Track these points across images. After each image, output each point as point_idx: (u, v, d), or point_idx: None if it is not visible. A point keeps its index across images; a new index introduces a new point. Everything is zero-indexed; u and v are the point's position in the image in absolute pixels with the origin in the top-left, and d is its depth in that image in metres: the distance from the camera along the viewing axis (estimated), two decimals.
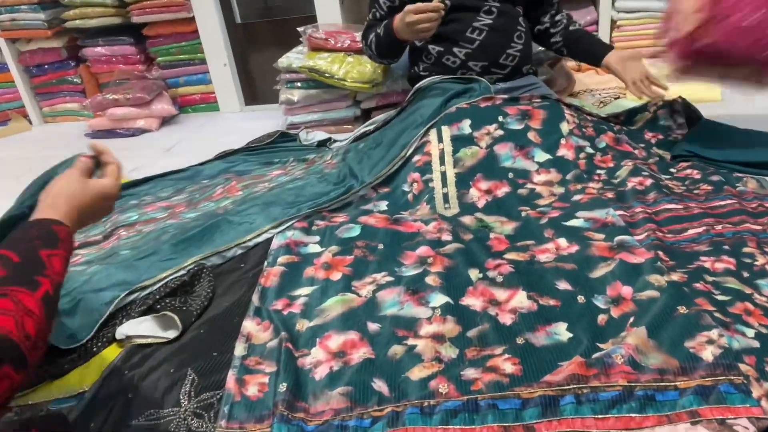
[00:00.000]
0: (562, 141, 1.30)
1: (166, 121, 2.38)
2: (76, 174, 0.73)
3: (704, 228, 0.98)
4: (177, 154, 1.98)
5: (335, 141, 1.78)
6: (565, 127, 1.33)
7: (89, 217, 0.71)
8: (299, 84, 1.95)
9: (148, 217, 1.33)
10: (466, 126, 1.34)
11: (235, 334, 0.86)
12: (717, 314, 0.75)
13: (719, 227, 0.98)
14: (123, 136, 2.27)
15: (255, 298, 0.95)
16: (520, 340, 0.79)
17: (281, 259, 1.04)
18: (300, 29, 1.94)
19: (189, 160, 1.77)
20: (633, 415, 0.63)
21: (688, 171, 1.25)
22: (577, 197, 1.16)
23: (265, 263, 1.05)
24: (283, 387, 0.73)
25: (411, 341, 0.81)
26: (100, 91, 2.41)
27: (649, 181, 1.17)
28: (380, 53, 1.59)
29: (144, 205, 1.43)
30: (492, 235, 1.09)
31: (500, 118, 1.35)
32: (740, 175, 1.18)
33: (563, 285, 0.90)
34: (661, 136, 1.45)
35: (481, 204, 1.20)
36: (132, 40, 2.38)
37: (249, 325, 0.88)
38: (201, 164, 1.72)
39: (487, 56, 1.50)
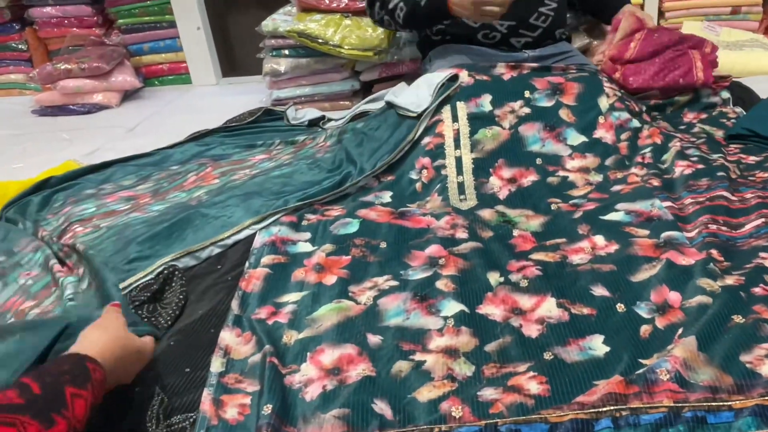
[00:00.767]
0: (600, 119, 1.31)
1: (128, 95, 2.39)
2: (124, 322, 0.80)
3: (763, 220, 1.00)
4: (141, 134, 2.00)
5: (329, 120, 1.79)
6: (604, 102, 1.34)
7: (120, 370, 0.75)
8: (287, 52, 1.96)
9: (108, 210, 1.35)
10: (486, 102, 1.34)
11: (212, 347, 0.87)
12: None
13: None
14: (77, 113, 2.28)
15: (234, 305, 0.96)
16: (548, 356, 0.80)
17: (265, 260, 1.06)
18: None
19: (156, 143, 1.78)
20: None
21: (741, 155, 1.26)
22: (617, 187, 1.17)
23: (247, 264, 1.06)
24: (267, 409, 0.74)
25: (419, 356, 0.82)
26: (50, 60, 2.43)
27: (700, 165, 1.18)
28: (410, 23, 1.60)
29: (102, 195, 1.44)
30: (516, 232, 1.10)
31: (527, 94, 1.36)
32: None
33: (600, 291, 0.91)
34: (704, 115, 1.47)
35: (503, 195, 1.21)
36: None
37: (227, 336, 0.90)
38: (170, 147, 1.73)
39: (516, 14, 1.51)
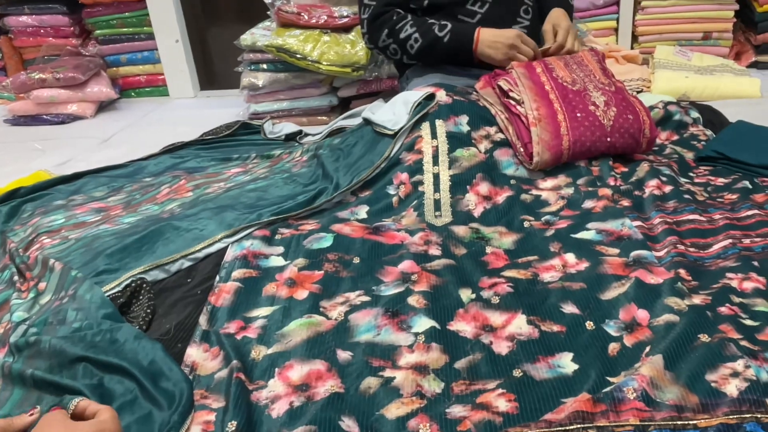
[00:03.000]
0: None
1: (103, 106, 2.37)
2: (61, 417, 0.68)
3: (730, 241, 1.01)
4: (115, 146, 1.98)
5: (306, 135, 1.79)
6: None
7: None
8: (265, 66, 1.96)
9: (77, 221, 1.33)
10: (463, 122, 1.36)
11: (178, 362, 0.86)
12: (743, 342, 0.77)
13: (747, 241, 1.02)
14: (50, 123, 2.25)
15: (203, 320, 0.95)
16: (517, 373, 0.80)
17: (236, 274, 1.05)
18: (267, 1, 1.95)
19: (130, 154, 1.77)
20: None
21: (710, 177, 1.29)
22: (588, 204, 1.18)
23: (217, 278, 1.05)
24: (232, 425, 0.73)
25: (388, 373, 0.82)
26: (25, 69, 2.40)
27: (668, 188, 1.20)
28: (423, 57, 1.57)
29: (73, 206, 1.42)
30: (489, 249, 1.10)
31: None
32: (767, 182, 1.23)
33: (570, 308, 0.91)
34: (676, 136, 1.50)
35: (477, 212, 1.22)
36: (65, 8, 2.38)
37: (194, 352, 0.88)
38: (144, 159, 1.72)
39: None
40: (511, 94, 1.34)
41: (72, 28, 2.40)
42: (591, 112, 1.29)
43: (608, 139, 1.29)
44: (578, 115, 1.28)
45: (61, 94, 2.25)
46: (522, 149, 1.29)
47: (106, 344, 0.88)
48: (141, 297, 1.03)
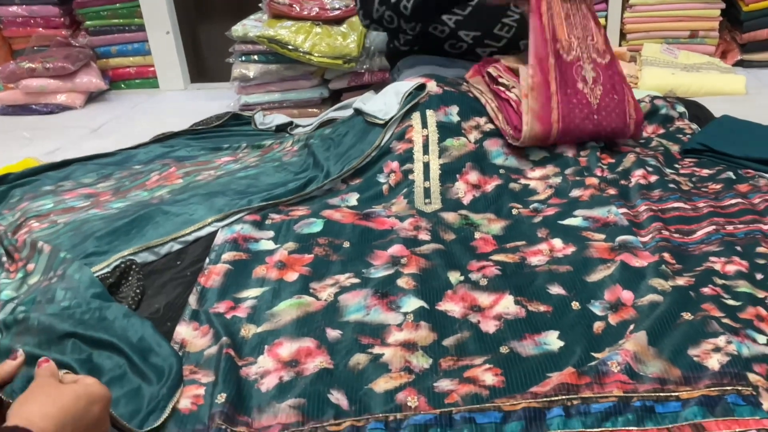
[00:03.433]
0: None
1: (93, 97, 2.36)
2: (43, 382, 0.66)
3: (714, 227, 1.04)
4: (105, 136, 1.98)
5: (297, 126, 1.80)
6: None
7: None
8: (256, 57, 1.97)
9: (66, 206, 1.32)
10: (453, 113, 1.37)
11: (167, 340, 0.86)
12: (726, 320, 0.79)
13: (730, 227, 1.04)
14: (39, 113, 2.24)
15: (192, 300, 0.95)
16: (504, 350, 0.82)
17: (226, 256, 1.05)
18: None
19: (119, 144, 1.76)
20: (630, 428, 0.66)
21: (695, 168, 1.31)
22: (576, 192, 1.20)
23: (207, 260, 1.05)
24: (221, 398, 0.74)
25: (377, 350, 0.83)
26: (14, 59, 2.38)
27: (654, 177, 1.22)
28: (420, 13, 1.47)
29: (61, 192, 1.41)
30: (477, 235, 1.11)
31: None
32: (751, 173, 1.25)
33: (556, 289, 0.93)
34: (662, 130, 1.53)
35: (467, 200, 1.23)
36: None
37: (183, 330, 0.89)
38: (134, 148, 1.71)
39: (481, 25, 1.54)
40: (500, 80, 1.35)
41: (62, 19, 2.39)
42: (579, 90, 1.30)
43: (595, 117, 1.30)
44: (568, 91, 1.29)
45: (50, 84, 2.24)
46: (512, 132, 1.30)
47: (95, 321, 0.88)
48: (130, 278, 1.03)
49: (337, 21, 1.91)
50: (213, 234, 1.14)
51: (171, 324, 0.91)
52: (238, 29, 1.94)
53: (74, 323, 0.87)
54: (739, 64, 2.14)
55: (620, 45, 2.21)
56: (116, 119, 2.15)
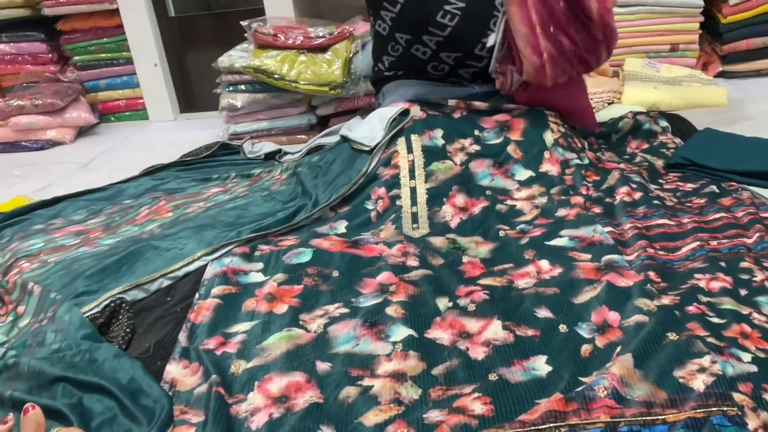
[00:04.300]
0: (546, 154, 1.36)
1: (83, 131, 2.37)
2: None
3: (698, 243, 1.04)
4: (95, 170, 1.98)
5: (286, 153, 1.81)
6: (549, 137, 1.40)
7: None
8: (243, 87, 1.98)
9: (56, 245, 1.33)
10: (438, 136, 1.39)
11: (157, 380, 0.86)
12: (710, 339, 0.79)
13: (714, 242, 1.05)
14: (29, 149, 2.25)
15: (182, 337, 0.95)
16: (493, 377, 0.82)
17: (216, 291, 1.05)
18: (244, 23, 1.98)
19: (110, 178, 1.77)
20: None
21: (679, 183, 1.32)
22: (562, 212, 1.21)
23: (197, 296, 1.06)
24: None
25: (367, 381, 0.83)
26: (3, 97, 2.40)
27: (638, 194, 1.24)
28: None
29: (52, 230, 1.42)
30: (465, 259, 1.12)
31: (476, 132, 1.40)
32: (734, 186, 1.26)
33: (544, 313, 0.93)
34: (645, 145, 1.54)
35: (454, 223, 1.24)
36: (43, 35, 2.39)
37: (173, 369, 0.89)
38: (124, 182, 1.72)
39: (461, 46, 1.56)
40: None
41: (50, 55, 2.41)
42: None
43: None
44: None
45: (39, 121, 2.25)
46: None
47: (86, 364, 0.88)
48: (120, 317, 1.03)
49: (322, 49, 1.93)
50: (203, 268, 1.15)
51: (161, 363, 0.91)
52: (224, 60, 1.96)
53: (64, 367, 0.87)
54: (721, 75, 2.16)
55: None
56: (107, 153, 2.15)
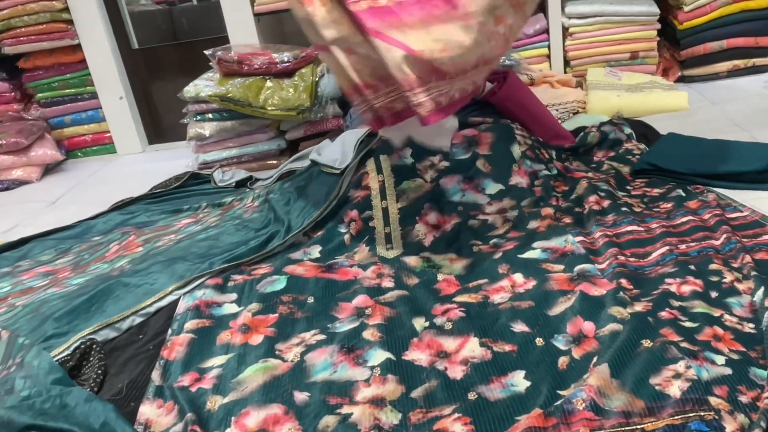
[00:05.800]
0: (514, 167, 1.36)
1: (50, 169, 2.33)
2: None
3: (668, 248, 1.05)
4: (63, 207, 1.94)
5: (257, 180, 1.80)
6: (516, 150, 1.41)
7: None
8: (211, 116, 1.97)
9: (24, 287, 1.30)
10: (407, 154, 1.39)
11: (131, 422, 0.84)
12: (684, 344, 0.80)
13: (683, 246, 1.06)
14: None
15: (155, 376, 0.93)
16: (472, 396, 0.81)
17: (189, 325, 1.04)
18: (207, 52, 1.97)
19: (78, 214, 1.74)
20: None
21: (646, 188, 1.34)
22: (533, 224, 1.21)
23: (169, 331, 1.04)
24: None
25: (346, 409, 0.82)
26: None
27: (607, 202, 1.25)
28: None
29: (19, 273, 1.39)
30: (440, 277, 1.12)
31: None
32: (700, 188, 1.28)
33: (520, 327, 0.93)
34: (612, 153, 1.56)
35: (428, 242, 1.24)
36: (4, 74, 2.35)
37: (147, 409, 0.87)
38: (93, 218, 1.69)
39: None
40: None
41: (13, 94, 2.37)
42: None
43: None
44: None
45: (4, 160, 2.21)
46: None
47: (56, 410, 0.86)
48: (91, 358, 1.01)
49: (288, 73, 1.92)
50: (175, 302, 1.13)
51: (134, 404, 0.89)
52: (190, 90, 1.95)
53: (34, 414, 0.84)
54: (681, 80, 2.21)
55: (565, 72, 2.27)
56: (75, 189, 2.12)
